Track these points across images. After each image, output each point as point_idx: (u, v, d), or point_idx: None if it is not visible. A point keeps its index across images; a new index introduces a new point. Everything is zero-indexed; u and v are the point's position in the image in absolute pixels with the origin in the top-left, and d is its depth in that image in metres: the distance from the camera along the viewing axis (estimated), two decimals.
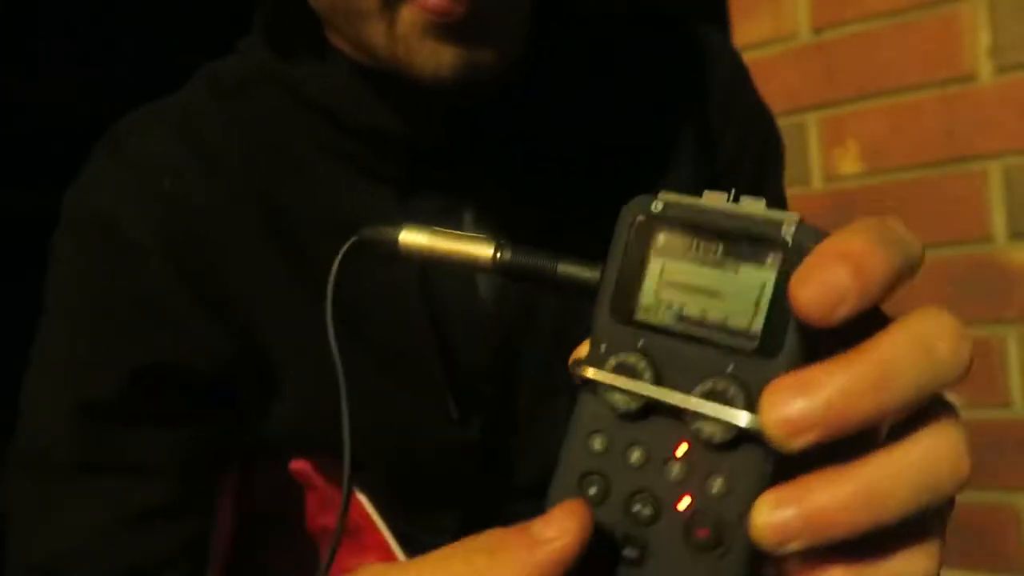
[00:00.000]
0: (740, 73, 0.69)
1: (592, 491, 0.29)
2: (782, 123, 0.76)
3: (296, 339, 0.56)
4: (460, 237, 0.34)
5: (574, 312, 0.57)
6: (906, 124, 1.14)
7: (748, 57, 1.26)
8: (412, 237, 0.35)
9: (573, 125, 0.60)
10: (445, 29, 0.47)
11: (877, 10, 1.14)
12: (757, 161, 0.69)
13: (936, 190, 1.13)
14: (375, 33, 0.49)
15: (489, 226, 0.57)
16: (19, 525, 0.56)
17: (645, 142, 0.64)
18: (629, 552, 0.28)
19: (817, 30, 1.20)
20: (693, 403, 0.27)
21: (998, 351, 1.09)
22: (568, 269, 0.32)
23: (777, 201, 0.73)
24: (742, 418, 0.26)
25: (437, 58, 0.49)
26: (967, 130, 1.10)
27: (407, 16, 0.47)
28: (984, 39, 1.08)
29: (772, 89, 1.26)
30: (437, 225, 0.36)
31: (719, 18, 1.29)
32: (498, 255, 0.33)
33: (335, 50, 0.56)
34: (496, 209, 0.57)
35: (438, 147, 0.55)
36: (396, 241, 0.35)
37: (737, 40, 1.27)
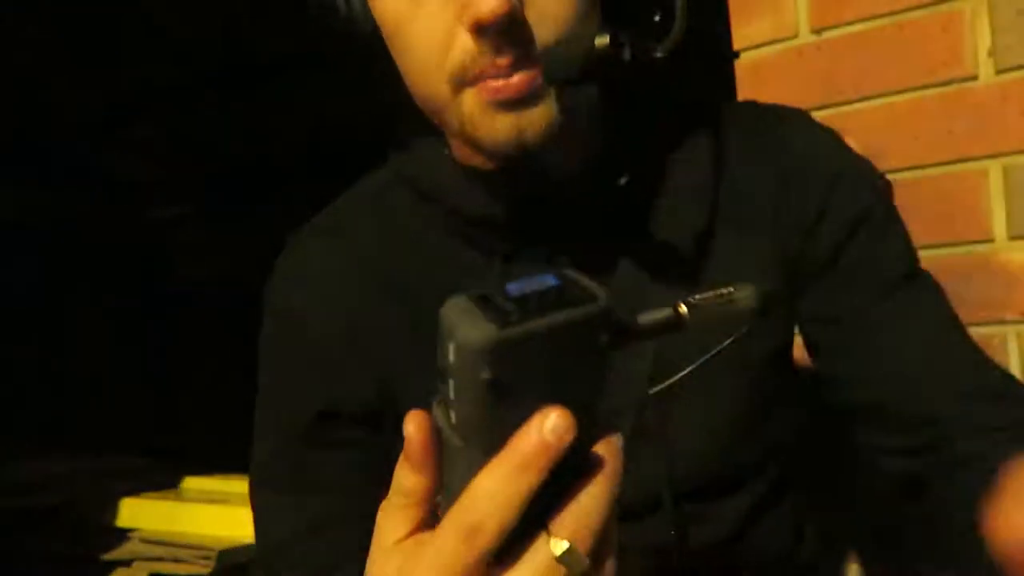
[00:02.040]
0: (818, 142, 0.75)
1: None
2: None
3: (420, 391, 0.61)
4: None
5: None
6: (906, 125, 1.14)
7: (748, 58, 1.27)
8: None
9: (646, 202, 0.70)
10: (498, 105, 0.59)
11: (876, 11, 1.14)
12: (846, 225, 0.72)
13: (936, 190, 1.13)
14: (451, 118, 0.62)
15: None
16: (254, 523, 0.75)
17: (719, 215, 0.71)
18: None
19: (816, 30, 1.19)
20: None
21: (999, 352, 1.09)
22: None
23: (877, 261, 0.72)
24: None
25: (495, 127, 0.60)
26: (967, 131, 1.10)
27: (469, 98, 0.60)
28: (984, 40, 1.08)
29: (771, 90, 1.26)
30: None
31: (719, 19, 1.29)
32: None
33: (448, 154, 0.71)
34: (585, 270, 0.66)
35: (532, 225, 0.67)
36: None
37: (736, 41, 1.27)
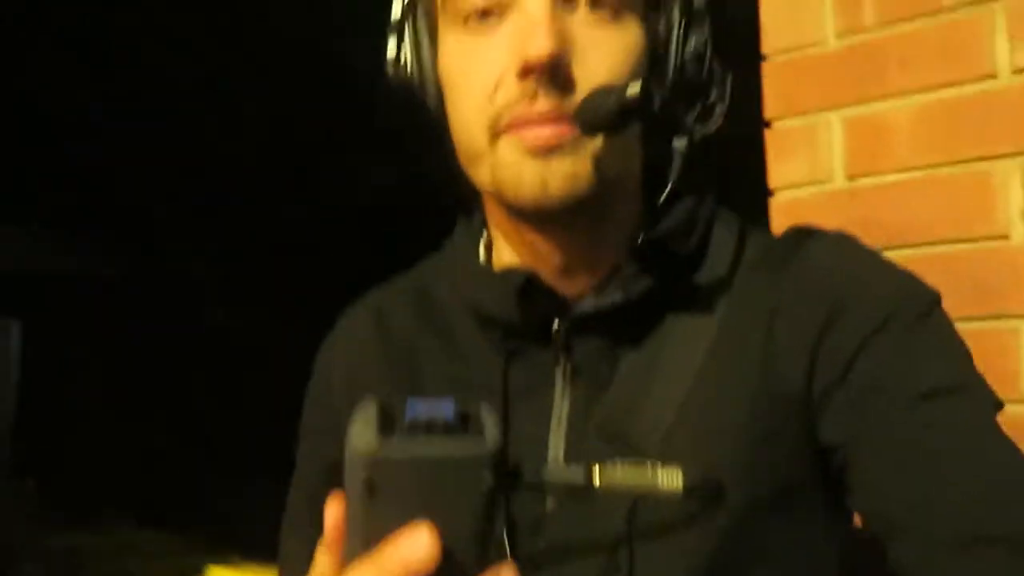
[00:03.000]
0: (835, 257, 0.71)
1: None
2: None
3: None
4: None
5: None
6: (939, 277, 1.12)
7: (783, 197, 1.28)
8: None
9: (657, 313, 0.70)
10: (529, 152, 0.62)
11: (911, 163, 1.14)
12: (856, 339, 0.66)
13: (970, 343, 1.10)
14: (485, 169, 0.66)
15: (576, 381, 0.70)
16: (279, 569, 0.79)
17: (721, 342, 0.69)
18: None
19: (851, 177, 1.20)
20: None
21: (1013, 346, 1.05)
22: None
23: (898, 375, 0.64)
24: None
25: (522, 175, 0.63)
26: (1000, 287, 1.08)
27: (503, 145, 0.64)
28: (1017, 200, 1.07)
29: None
30: (532, 382, 0.69)
31: (756, 156, 1.31)
32: None
33: (476, 253, 0.76)
34: (583, 372, 0.70)
35: (538, 329, 0.69)
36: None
37: (773, 179, 1.28)
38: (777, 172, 1.28)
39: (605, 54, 0.64)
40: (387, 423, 0.43)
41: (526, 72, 0.61)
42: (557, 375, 0.70)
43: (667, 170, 0.72)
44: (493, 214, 0.73)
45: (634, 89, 0.60)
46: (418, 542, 0.42)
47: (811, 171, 1.25)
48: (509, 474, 0.45)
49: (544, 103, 0.62)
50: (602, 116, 0.61)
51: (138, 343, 5.68)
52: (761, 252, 0.72)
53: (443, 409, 0.43)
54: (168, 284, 5.55)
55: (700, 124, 0.68)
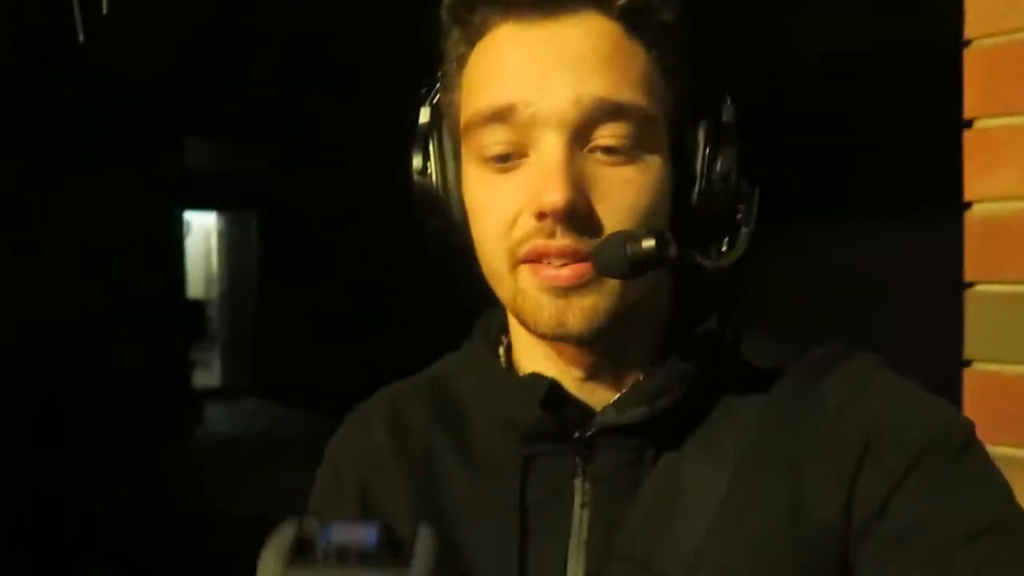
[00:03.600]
0: (868, 386, 0.68)
1: None
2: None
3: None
4: None
5: None
6: None
7: (982, 212, 1.07)
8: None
9: (680, 429, 0.68)
10: (547, 289, 0.63)
11: None
12: (891, 476, 0.64)
13: None
14: (507, 293, 0.66)
15: (597, 493, 0.69)
16: None
17: (747, 462, 0.67)
18: None
19: None
20: None
21: None
22: None
23: (936, 515, 0.62)
24: None
25: (540, 309, 0.64)
26: None
27: (523, 275, 0.64)
28: None
29: (1005, 249, 1.06)
30: (551, 492, 0.68)
31: (949, 161, 1.10)
32: None
33: (495, 358, 0.75)
34: (604, 484, 0.68)
35: (560, 436, 0.68)
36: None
37: (969, 191, 1.08)
38: (976, 182, 1.08)
39: (624, 195, 0.63)
40: (304, 549, 0.43)
41: (542, 216, 0.62)
42: (576, 486, 0.69)
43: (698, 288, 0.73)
44: (515, 323, 0.72)
45: (649, 243, 0.60)
46: None
47: (1020, 181, 1.04)
48: None
49: (562, 240, 0.62)
50: (618, 264, 0.61)
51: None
52: (791, 372, 0.70)
53: (364, 535, 0.43)
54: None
55: (726, 251, 0.67)
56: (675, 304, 0.73)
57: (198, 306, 8.61)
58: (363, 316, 6.25)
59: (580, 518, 0.68)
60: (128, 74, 4.59)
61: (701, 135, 0.67)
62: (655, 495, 0.67)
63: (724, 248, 0.67)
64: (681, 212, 0.66)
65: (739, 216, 0.67)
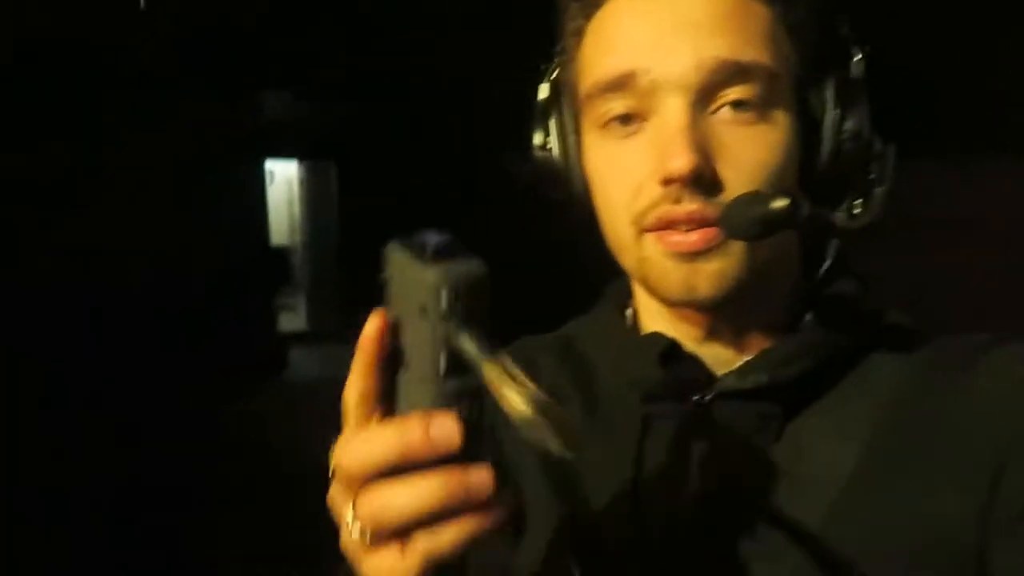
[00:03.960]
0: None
1: None
2: None
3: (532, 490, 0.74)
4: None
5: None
6: None
7: None
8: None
9: (806, 402, 0.66)
10: (674, 256, 0.62)
11: None
12: None
13: None
14: (632, 260, 0.66)
15: (711, 461, 0.68)
16: None
17: (879, 445, 0.65)
18: None
19: None
20: None
21: None
22: None
23: None
24: None
25: (667, 276, 0.63)
26: None
27: (649, 243, 0.63)
28: None
29: None
30: (666, 454, 0.66)
31: None
32: None
33: (619, 319, 0.76)
34: (719, 453, 0.68)
35: (678, 398, 0.68)
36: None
37: None
38: None
39: (751, 154, 0.62)
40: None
41: (668, 183, 0.61)
42: (694, 449, 0.68)
43: (825, 250, 0.71)
44: (640, 290, 0.73)
45: (781, 202, 0.57)
46: (441, 424, 0.44)
47: None
48: None
49: (689, 206, 0.61)
50: (747, 225, 0.59)
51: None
52: (939, 354, 0.67)
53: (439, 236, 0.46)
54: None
55: (860, 211, 0.64)
56: (805, 268, 0.71)
57: (282, 252, 8.82)
58: None
59: (694, 481, 0.67)
60: (212, 23, 4.65)
61: (829, 92, 0.65)
62: (775, 466, 0.66)
63: (857, 209, 0.65)
64: (810, 172, 0.64)
65: (872, 176, 0.64)
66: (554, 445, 0.41)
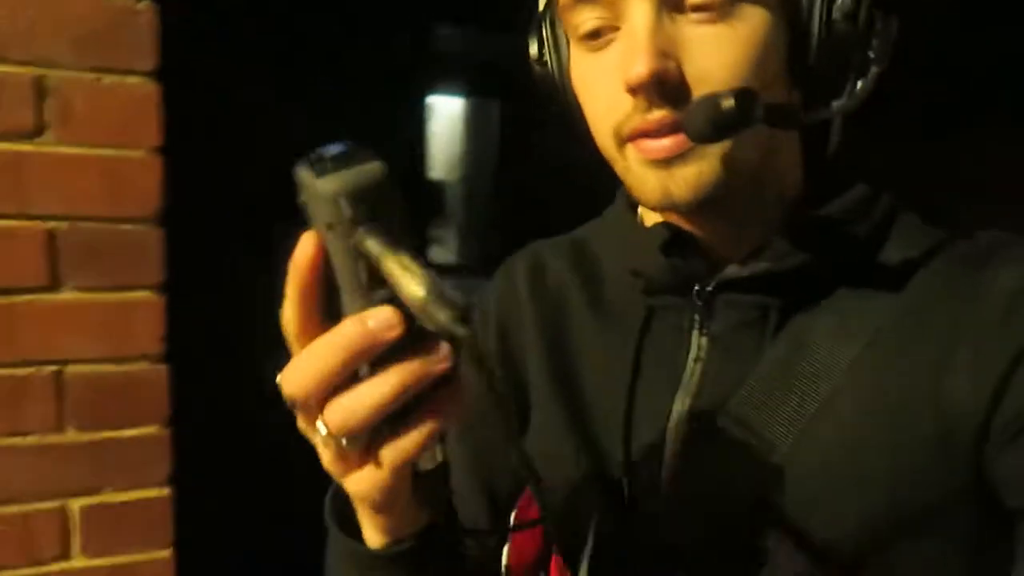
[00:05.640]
0: None
1: None
2: None
3: (538, 385, 0.78)
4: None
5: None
6: None
7: None
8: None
9: (809, 294, 0.67)
10: (650, 162, 0.62)
11: None
12: None
13: None
14: (619, 169, 0.66)
15: (712, 351, 0.69)
16: None
17: (882, 339, 0.64)
18: None
19: None
20: None
21: None
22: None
23: None
24: None
25: (646, 184, 0.64)
26: None
27: (630, 153, 0.64)
28: None
29: None
30: (668, 343, 0.69)
31: None
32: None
33: (631, 214, 0.77)
34: (721, 342, 0.69)
35: (682, 287, 0.70)
36: None
37: None
38: None
39: (717, 54, 0.59)
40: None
41: (633, 92, 0.60)
42: (693, 340, 0.69)
43: (829, 136, 0.70)
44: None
45: (728, 102, 0.57)
46: (378, 316, 0.44)
47: None
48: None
49: (658, 113, 0.60)
50: (704, 128, 0.59)
51: None
52: (951, 254, 0.66)
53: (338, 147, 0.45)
54: None
55: (855, 92, 0.61)
56: (812, 158, 0.70)
57: (439, 186, 9.06)
58: (590, 205, 6.32)
59: (692, 372, 0.68)
60: None
61: None
62: (774, 358, 0.66)
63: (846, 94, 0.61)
64: (802, 61, 0.61)
65: (872, 54, 0.60)
66: (448, 323, 0.41)
